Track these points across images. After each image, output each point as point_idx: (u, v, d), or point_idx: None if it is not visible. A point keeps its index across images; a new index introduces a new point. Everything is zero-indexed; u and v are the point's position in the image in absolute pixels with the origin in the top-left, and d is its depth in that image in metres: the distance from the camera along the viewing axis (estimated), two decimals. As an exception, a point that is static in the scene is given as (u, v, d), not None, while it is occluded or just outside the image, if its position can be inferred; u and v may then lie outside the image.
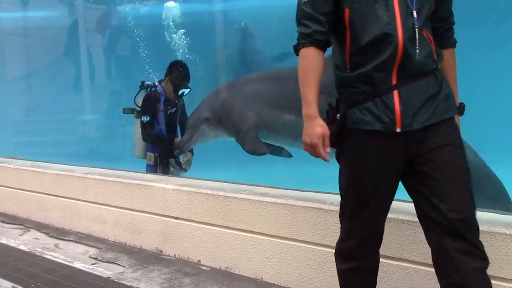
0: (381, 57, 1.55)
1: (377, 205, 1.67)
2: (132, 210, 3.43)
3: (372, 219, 1.69)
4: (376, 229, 1.72)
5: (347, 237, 1.73)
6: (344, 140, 1.65)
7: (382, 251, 1.79)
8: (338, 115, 1.65)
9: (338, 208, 2.42)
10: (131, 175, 3.64)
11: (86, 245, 3.51)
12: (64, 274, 2.94)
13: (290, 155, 4.38)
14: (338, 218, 2.41)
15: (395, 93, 1.56)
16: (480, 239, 1.53)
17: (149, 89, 4.02)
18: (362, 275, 1.75)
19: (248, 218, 2.79)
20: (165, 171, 4.07)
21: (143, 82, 4.09)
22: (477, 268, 1.49)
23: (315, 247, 2.52)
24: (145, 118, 3.91)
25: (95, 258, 3.20)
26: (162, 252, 3.26)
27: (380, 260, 1.80)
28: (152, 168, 4.04)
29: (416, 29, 1.55)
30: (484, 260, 1.51)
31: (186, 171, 4.20)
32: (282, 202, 2.65)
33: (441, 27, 1.72)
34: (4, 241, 3.67)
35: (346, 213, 1.73)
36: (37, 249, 3.45)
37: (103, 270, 2.98)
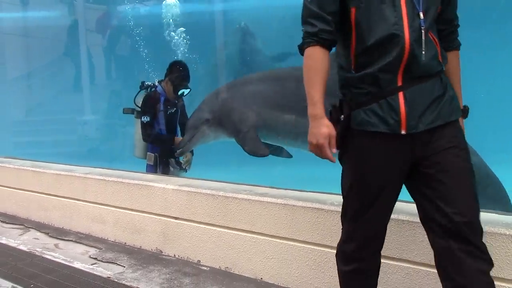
0: (387, 58, 1.54)
1: (380, 207, 1.66)
2: (132, 210, 3.43)
3: (375, 220, 1.68)
4: (379, 230, 1.71)
5: (349, 238, 1.72)
6: (347, 141, 1.64)
7: (382, 251, 1.78)
8: (342, 116, 1.63)
9: (338, 209, 2.42)
10: (131, 175, 3.64)
11: (86, 245, 3.51)
12: (64, 274, 2.94)
13: (290, 156, 4.37)
14: (338, 219, 2.41)
15: (401, 94, 1.55)
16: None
17: (149, 89, 4.02)
18: (364, 277, 1.75)
19: (248, 218, 2.79)
20: (165, 171, 4.07)
21: (143, 82, 4.08)
22: (481, 270, 1.48)
23: (315, 247, 2.52)
24: (145, 119, 3.91)
25: (95, 258, 3.20)
26: (162, 252, 3.26)
27: (380, 260, 1.80)
28: (152, 168, 4.04)
29: (423, 31, 1.54)
30: (487, 262, 1.50)
31: (186, 171, 4.20)
32: (282, 202, 2.65)
33: (446, 29, 1.71)
34: (4, 241, 3.67)
35: (349, 214, 1.72)
36: (37, 249, 3.45)
37: (103, 270, 2.98)
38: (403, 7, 1.54)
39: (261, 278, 2.75)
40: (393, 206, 1.70)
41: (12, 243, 3.63)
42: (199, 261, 3.05)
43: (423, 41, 1.54)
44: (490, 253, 1.52)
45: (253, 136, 3.92)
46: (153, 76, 5.51)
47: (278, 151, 4.33)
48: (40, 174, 4.19)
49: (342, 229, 1.77)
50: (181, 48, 7.32)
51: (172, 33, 7.47)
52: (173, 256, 3.19)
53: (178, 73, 3.98)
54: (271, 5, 7.86)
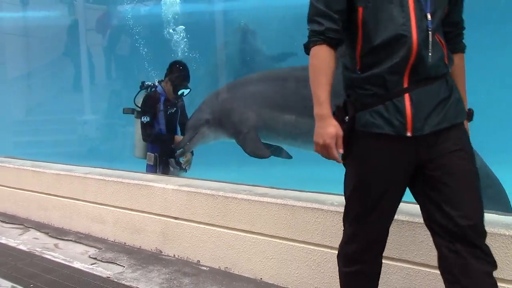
0: (394, 59, 1.52)
1: (384, 209, 1.65)
2: (131, 210, 3.43)
3: (378, 223, 1.67)
4: (382, 233, 1.70)
5: (350, 240, 1.71)
6: (351, 143, 1.61)
7: (381, 251, 1.79)
8: (347, 117, 1.61)
9: (338, 209, 2.43)
10: (131, 175, 3.64)
11: (86, 245, 3.51)
12: (63, 274, 2.94)
13: (289, 157, 4.37)
14: (337, 219, 2.41)
15: (406, 96, 1.53)
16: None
17: (149, 89, 4.02)
18: (365, 278, 1.74)
19: (247, 218, 2.79)
20: (165, 171, 4.07)
21: (143, 82, 4.08)
22: (486, 272, 1.48)
23: (315, 248, 2.52)
24: (145, 119, 3.91)
25: (95, 258, 3.20)
26: (162, 252, 3.25)
27: (380, 261, 1.80)
28: (152, 168, 4.04)
29: (430, 32, 1.52)
30: (492, 264, 1.50)
31: (186, 171, 4.20)
32: (282, 203, 2.64)
33: (452, 32, 1.70)
34: (3, 241, 3.67)
35: (351, 216, 1.70)
36: (37, 249, 3.45)
37: (102, 270, 2.98)
38: (411, 7, 1.52)
39: (261, 278, 2.75)
40: (396, 208, 1.69)
41: (11, 242, 3.63)
42: (198, 261, 3.05)
43: (430, 42, 1.53)
44: (490, 254, 1.52)
45: (253, 137, 3.92)
46: (153, 75, 5.51)
47: (277, 152, 4.33)
48: (40, 174, 4.19)
49: (343, 230, 1.76)
50: (181, 48, 7.32)
51: (172, 33, 7.47)
52: (172, 256, 3.18)
53: (178, 73, 3.98)
54: (271, 5, 7.86)
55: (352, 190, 1.67)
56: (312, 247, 2.53)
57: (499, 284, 1.68)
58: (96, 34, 9.70)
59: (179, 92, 3.97)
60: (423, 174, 1.58)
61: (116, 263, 3.09)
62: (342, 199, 2.53)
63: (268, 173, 4.96)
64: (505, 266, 1.95)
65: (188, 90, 4.01)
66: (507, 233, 1.96)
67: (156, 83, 4.05)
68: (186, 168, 4.20)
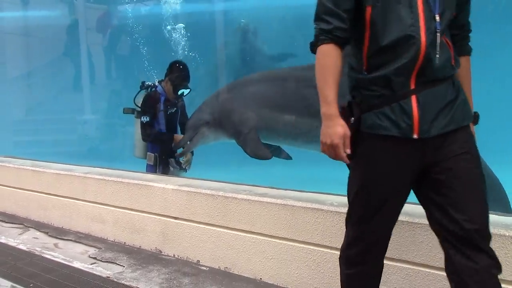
0: (401, 60, 1.51)
1: (388, 212, 1.64)
2: (131, 210, 3.43)
3: (382, 225, 1.66)
4: (385, 235, 1.70)
5: (353, 243, 1.69)
6: (357, 144, 1.59)
7: (381, 252, 1.78)
8: (352, 118, 1.59)
9: (337, 209, 2.43)
10: (130, 175, 3.64)
11: (86, 244, 3.51)
12: (63, 273, 2.94)
13: (289, 158, 4.36)
14: (337, 219, 2.42)
15: (413, 98, 1.52)
16: None
17: (149, 89, 4.03)
18: (367, 280, 1.73)
19: (247, 218, 2.79)
20: (165, 171, 4.07)
21: (143, 82, 4.09)
22: (492, 275, 1.48)
23: (315, 248, 2.52)
24: (145, 118, 3.91)
25: (94, 258, 3.20)
26: (162, 252, 3.25)
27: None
28: (152, 168, 4.04)
29: (438, 34, 1.51)
30: (497, 267, 1.50)
31: (186, 171, 4.20)
32: (282, 203, 2.64)
33: (459, 34, 1.69)
34: (3, 240, 3.67)
35: (354, 218, 1.69)
36: (37, 249, 3.45)
37: (102, 270, 2.98)
38: (420, 8, 1.51)
39: (261, 278, 2.75)
40: (400, 211, 1.68)
41: (11, 242, 3.63)
42: (198, 261, 3.05)
43: (438, 44, 1.51)
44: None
45: (254, 137, 3.90)
46: (154, 75, 5.51)
47: (277, 152, 4.33)
48: (40, 173, 4.19)
49: (346, 233, 1.75)
50: (181, 48, 7.32)
51: (172, 33, 7.47)
52: (172, 256, 3.18)
53: (178, 73, 3.98)
54: (271, 5, 7.86)
55: (356, 192, 1.66)
56: (312, 247, 2.53)
57: (499, 284, 1.68)
58: (96, 34, 9.70)
59: (179, 92, 3.98)
60: (429, 177, 1.57)
61: (116, 263, 3.09)
62: (342, 200, 2.54)
63: (268, 173, 4.96)
64: (505, 266, 1.94)
65: (188, 90, 4.02)
66: (507, 234, 1.96)
67: (156, 83, 4.06)
68: (186, 168, 4.20)
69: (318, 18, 1.62)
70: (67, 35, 9.39)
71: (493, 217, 2.15)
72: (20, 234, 3.86)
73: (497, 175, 3.58)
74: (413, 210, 2.20)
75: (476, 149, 1.60)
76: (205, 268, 2.96)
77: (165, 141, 4.04)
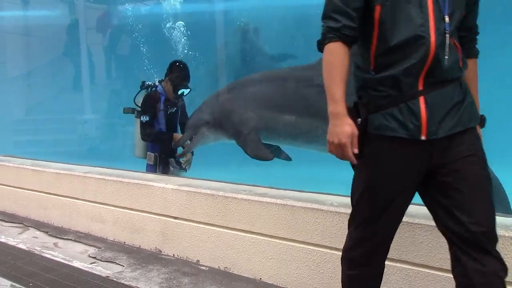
0: (410, 60, 1.50)
1: (394, 212, 1.63)
2: (131, 209, 3.43)
3: (387, 226, 1.65)
4: (390, 235, 1.69)
5: (358, 244, 1.68)
6: (363, 145, 1.56)
7: (381, 252, 1.78)
8: (359, 119, 1.56)
9: (337, 209, 2.43)
10: (130, 175, 3.64)
11: (85, 244, 3.51)
12: (63, 273, 2.94)
13: (289, 159, 4.35)
14: (337, 219, 2.42)
15: (421, 99, 1.51)
16: None
17: (149, 89, 4.03)
18: (368, 281, 1.73)
19: (247, 218, 2.79)
20: (165, 171, 4.07)
21: (143, 82, 4.09)
22: (499, 278, 1.48)
23: (314, 248, 2.52)
24: (144, 118, 3.91)
25: (94, 257, 3.20)
26: (161, 251, 3.25)
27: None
28: (152, 168, 4.04)
29: (447, 35, 1.50)
30: (504, 270, 1.50)
31: (186, 171, 4.20)
32: (282, 203, 2.64)
33: (466, 36, 1.69)
34: (3, 240, 3.67)
35: (359, 220, 1.68)
36: (36, 248, 3.45)
37: (102, 269, 2.98)
38: (430, 8, 1.50)
39: (260, 278, 2.75)
40: (405, 211, 1.67)
41: (11, 241, 3.63)
42: (198, 261, 3.05)
43: (447, 45, 1.51)
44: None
45: (254, 138, 3.87)
46: (154, 74, 5.51)
47: (276, 153, 4.32)
48: (40, 173, 4.19)
49: (348, 234, 1.73)
50: (181, 48, 7.32)
51: (172, 32, 7.47)
52: (172, 255, 3.18)
53: (178, 72, 3.99)
54: (271, 5, 7.86)
55: (362, 193, 1.64)
56: (311, 247, 2.53)
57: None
58: (97, 34, 9.69)
59: (179, 92, 3.98)
60: (435, 179, 1.56)
61: (115, 263, 3.09)
62: (341, 200, 2.54)
63: (268, 173, 4.96)
64: (504, 267, 1.95)
65: (188, 90, 4.02)
66: (507, 235, 1.97)
67: (157, 83, 4.06)
68: (186, 168, 4.20)
69: (326, 16, 1.60)
70: (67, 34, 9.38)
71: (493, 218, 2.15)
72: (20, 233, 3.86)
73: (497, 175, 3.58)
74: (413, 210, 2.20)
75: (483, 151, 1.59)
76: (204, 268, 2.96)
77: (165, 141, 4.04)
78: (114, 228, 3.55)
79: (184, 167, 4.18)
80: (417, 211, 2.19)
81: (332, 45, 1.58)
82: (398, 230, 2.18)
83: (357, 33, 1.59)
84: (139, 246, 3.39)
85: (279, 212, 2.64)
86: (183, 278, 2.80)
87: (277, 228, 2.66)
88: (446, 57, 1.51)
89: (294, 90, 3.85)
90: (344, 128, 1.52)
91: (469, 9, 1.64)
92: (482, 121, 1.70)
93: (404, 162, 1.56)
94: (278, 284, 2.68)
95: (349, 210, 2.38)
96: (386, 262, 2.20)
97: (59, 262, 3.15)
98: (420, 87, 1.52)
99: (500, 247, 1.95)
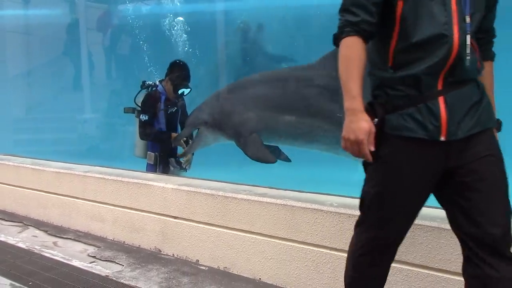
0: (433, 59, 1.47)
1: (408, 214, 1.61)
2: (131, 209, 3.43)
3: (400, 227, 1.63)
4: (401, 237, 1.66)
5: (369, 243, 1.65)
6: (379, 145, 1.52)
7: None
8: (376, 119, 1.52)
9: (337, 210, 2.43)
10: (130, 174, 3.64)
11: (85, 243, 3.51)
12: (62, 272, 2.94)
13: (288, 160, 4.34)
14: (337, 220, 2.41)
15: (441, 99, 1.48)
16: None
17: (150, 88, 4.03)
18: (373, 281, 1.71)
19: (247, 218, 2.79)
20: (165, 171, 4.07)
21: (144, 82, 4.09)
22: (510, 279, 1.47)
23: (314, 248, 2.52)
24: (144, 117, 3.92)
25: (94, 257, 3.20)
26: (161, 251, 3.25)
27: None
28: (152, 168, 4.04)
29: (468, 35, 1.49)
30: None
31: (186, 171, 4.20)
32: (281, 203, 2.64)
33: (483, 38, 1.67)
34: (2, 239, 3.67)
35: (372, 220, 1.64)
36: (36, 247, 3.45)
37: (101, 269, 2.98)
38: (453, 7, 1.47)
39: (260, 278, 2.75)
40: (419, 213, 1.64)
41: (10, 240, 3.63)
42: (197, 260, 3.05)
43: (467, 45, 1.49)
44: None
45: (256, 140, 3.81)
46: (154, 74, 5.51)
47: (276, 153, 4.31)
48: (40, 172, 4.19)
49: (356, 235, 1.70)
50: (182, 48, 7.32)
51: (172, 32, 7.47)
52: (171, 255, 3.18)
53: (178, 72, 3.99)
54: (271, 5, 7.86)
55: (377, 194, 1.60)
56: (311, 247, 2.53)
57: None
58: (97, 33, 9.69)
59: (180, 92, 3.98)
60: (453, 180, 1.53)
61: (115, 262, 3.09)
62: (341, 200, 2.55)
63: (268, 173, 4.95)
64: (504, 268, 1.95)
65: (189, 89, 4.02)
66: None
67: (157, 83, 4.06)
68: (186, 167, 4.20)
69: (344, 9, 1.57)
70: (67, 34, 9.38)
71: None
72: (20, 232, 3.86)
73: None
74: (412, 211, 2.20)
75: (500, 151, 1.57)
76: (204, 268, 2.96)
77: (164, 140, 4.04)
78: (114, 227, 3.55)
79: (184, 167, 4.18)
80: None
81: (349, 39, 1.54)
82: (397, 231, 2.20)
83: (375, 28, 1.55)
84: (139, 245, 3.39)
85: (279, 212, 2.65)
86: (182, 278, 2.80)
87: (277, 228, 2.66)
88: (468, 57, 1.49)
89: (294, 90, 3.84)
90: (361, 124, 1.48)
91: (489, 11, 1.63)
92: (498, 124, 1.69)
93: (422, 163, 1.53)
94: (277, 284, 2.68)
95: (348, 211, 2.39)
96: (386, 263, 2.21)
97: (59, 261, 3.15)
98: (439, 87, 1.49)
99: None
